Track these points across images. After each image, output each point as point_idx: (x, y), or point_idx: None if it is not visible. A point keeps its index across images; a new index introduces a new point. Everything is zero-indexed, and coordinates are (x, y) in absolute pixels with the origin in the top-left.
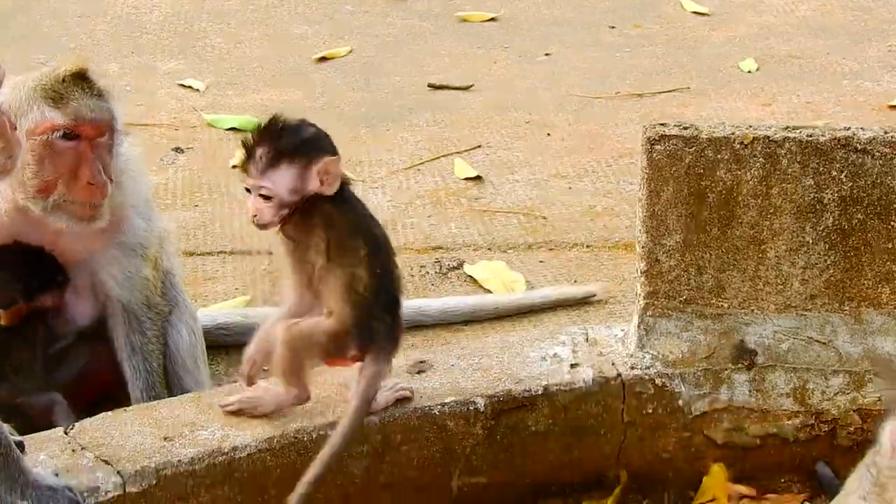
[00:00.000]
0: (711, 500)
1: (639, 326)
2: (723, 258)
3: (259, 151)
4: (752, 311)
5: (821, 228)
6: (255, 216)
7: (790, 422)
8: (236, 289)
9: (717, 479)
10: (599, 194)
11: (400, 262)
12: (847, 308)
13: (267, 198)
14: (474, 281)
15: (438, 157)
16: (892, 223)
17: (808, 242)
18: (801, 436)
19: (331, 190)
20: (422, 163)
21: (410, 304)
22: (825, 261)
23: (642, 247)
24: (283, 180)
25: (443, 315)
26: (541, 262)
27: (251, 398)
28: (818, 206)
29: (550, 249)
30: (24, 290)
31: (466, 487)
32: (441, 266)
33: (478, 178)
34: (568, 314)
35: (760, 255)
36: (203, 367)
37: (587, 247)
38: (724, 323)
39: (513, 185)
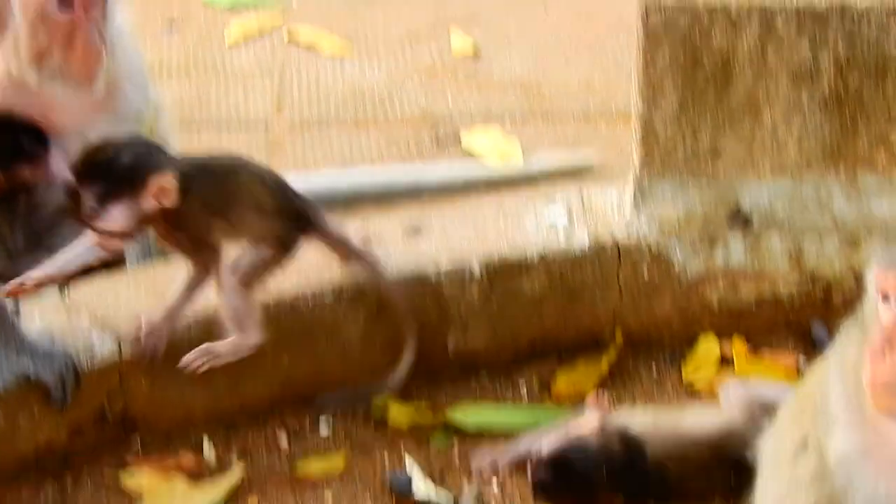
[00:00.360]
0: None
1: (635, 192)
2: (718, 123)
3: (85, 194)
4: (748, 174)
5: (817, 93)
6: (104, 246)
7: (785, 283)
8: None
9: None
10: (597, 68)
11: (396, 134)
12: (842, 171)
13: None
14: (471, 153)
15: (435, 31)
16: (887, 86)
17: (803, 106)
18: (795, 297)
19: (171, 202)
20: (417, 37)
21: (407, 172)
22: (821, 124)
23: (638, 113)
24: (117, 217)
25: (439, 184)
26: (538, 133)
27: (209, 350)
28: (814, 71)
29: (548, 121)
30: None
31: (463, 348)
32: (437, 137)
33: (474, 51)
34: (565, 182)
35: (756, 120)
36: None
37: (585, 119)
38: (720, 187)
39: (510, 59)
